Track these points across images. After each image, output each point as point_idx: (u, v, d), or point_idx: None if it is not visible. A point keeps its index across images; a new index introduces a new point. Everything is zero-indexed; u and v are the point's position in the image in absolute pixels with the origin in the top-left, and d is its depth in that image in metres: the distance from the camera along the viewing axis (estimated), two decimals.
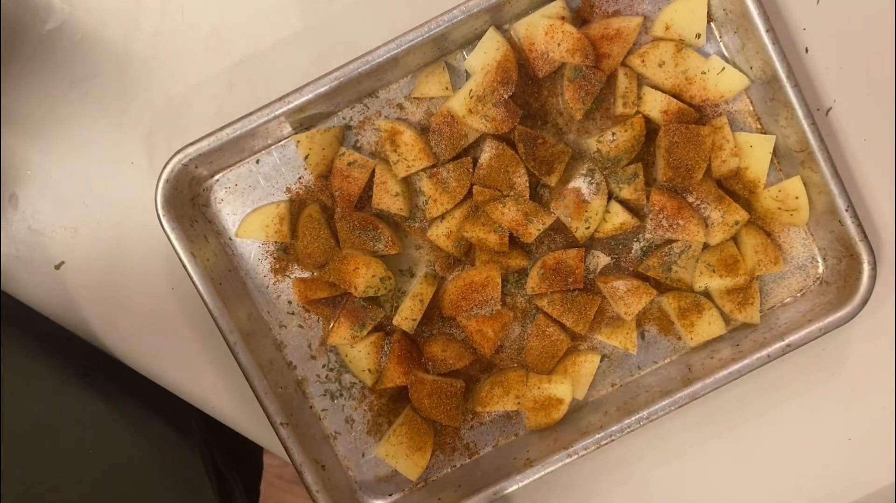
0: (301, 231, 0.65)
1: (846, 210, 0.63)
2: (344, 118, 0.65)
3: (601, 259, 0.67)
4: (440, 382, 0.65)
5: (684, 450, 0.70)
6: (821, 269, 0.68)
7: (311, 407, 0.67)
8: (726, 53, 0.65)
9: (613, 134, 0.64)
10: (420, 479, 0.67)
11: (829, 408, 0.70)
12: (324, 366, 0.67)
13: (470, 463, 0.68)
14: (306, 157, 0.64)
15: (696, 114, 0.65)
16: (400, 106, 0.65)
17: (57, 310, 0.66)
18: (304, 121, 0.64)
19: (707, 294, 0.67)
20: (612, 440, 0.64)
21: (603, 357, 0.68)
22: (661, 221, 0.65)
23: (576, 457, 0.64)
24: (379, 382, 0.66)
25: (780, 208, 0.65)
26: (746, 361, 0.64)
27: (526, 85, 0.65)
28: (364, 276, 0.63)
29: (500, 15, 0.63)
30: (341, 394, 0.68)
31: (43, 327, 0.65)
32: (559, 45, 0.62)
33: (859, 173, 0.68)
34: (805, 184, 0.65)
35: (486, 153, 0.64)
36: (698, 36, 0.64)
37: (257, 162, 0.66)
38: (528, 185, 0.64)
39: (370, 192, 0.65)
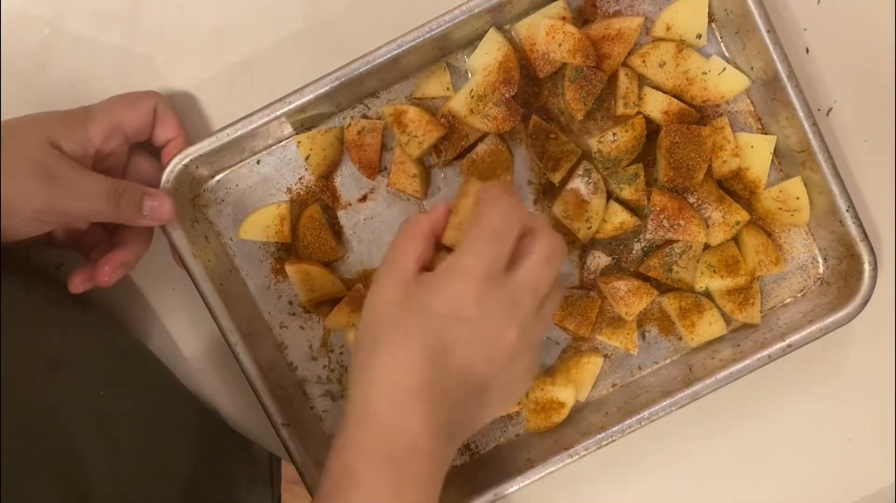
0: (302, 231, 0.65)
1: (847, 210, 0.63)
2: (345, 118, 0.65)
3: (602, 259, 0.67)
4: None
5: (685, 450, 0.70)
6: (821, 270, 0.68)
7: (311, 408, 0.67)
8: (727, 54, 0.65)
9: (614, 134, 0.64)
10: None
11: (830, 408, 0.70)
12: (325, 367, 0.67)
13: (470, 463, 0.68)
14: (307, 158, 0.64)
15: (697, 114, 0.65)
16: None
17: None
18: (304, 121, 0.64)
19: (708, 294, 0.67)
20: (613, 440, 0.64)
21: (604, 357, 0.68)
22: (661, 222, 0.65)
23: (577, 457, 0.64)
24: None
25: (780, 208, 0.66)
26: (747, 362, 0.64)
27: (527, 85, 0.65)
28: None
29: (501, 15, 0.63)
30: (342, 395, 0.68)
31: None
32: (560, 45, 0.62)
33: (860, 173, 0.68)
34: (806, 184, 0.65)
35: (484, 146, 0.64)
36: (699, 36, 0.64)
37: (258, 162, 0.65)
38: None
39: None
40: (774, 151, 0.66)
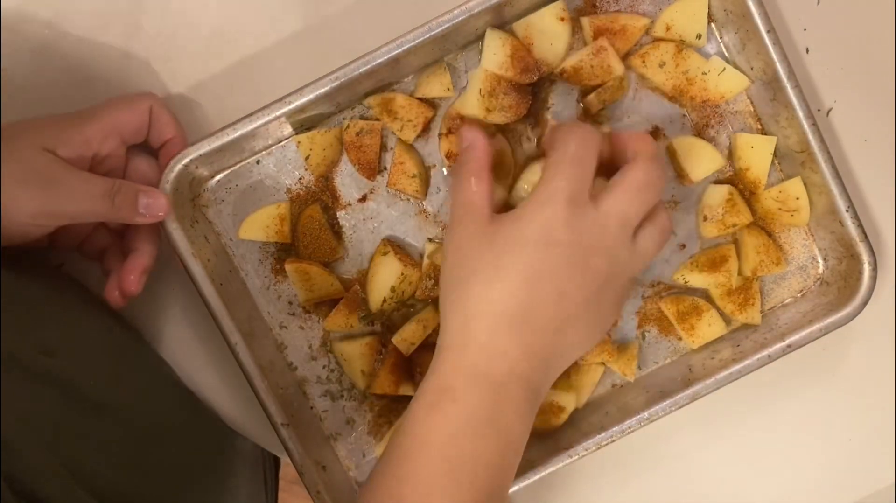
0: (302, 231, 0.65)
1: (846, 210, 0.63)
2: (345, 118, 0.65)
3: None
4: None
5: (685, 451, 0.70)
6: (821, 270, 0.68)
7: (311, 407, 0.67)
8: (727, 54, 0.65)
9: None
10: None
11: (830, 408, 0.70)
12: (324, 367, 0.67)
13: None
14: (307, 158, 0.64)
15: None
16: None
17: None
18: (304, 121, 0.64)
19: (707, 296, 0.67)
20: (613, 440, 0.64)
21: (604, 364, 0.68)
22: None
23: (576, 457, 0.64)
24: (370, 387, 0.66)
25: (780, 209, 0.65)
26: (747, 362, 0.64)
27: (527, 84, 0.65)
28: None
29: (501, 15, 0.63)
30: (342, 395, 0.68)
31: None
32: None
33: (860, 174, 0.68)
34: (805, 184, 0.65)
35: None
36: (699, 36, 0.64)
37: (258, 162, 0.65)
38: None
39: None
40: (774, 151, 0.66)
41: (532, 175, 0.63)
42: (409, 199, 0.66)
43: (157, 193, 0.60)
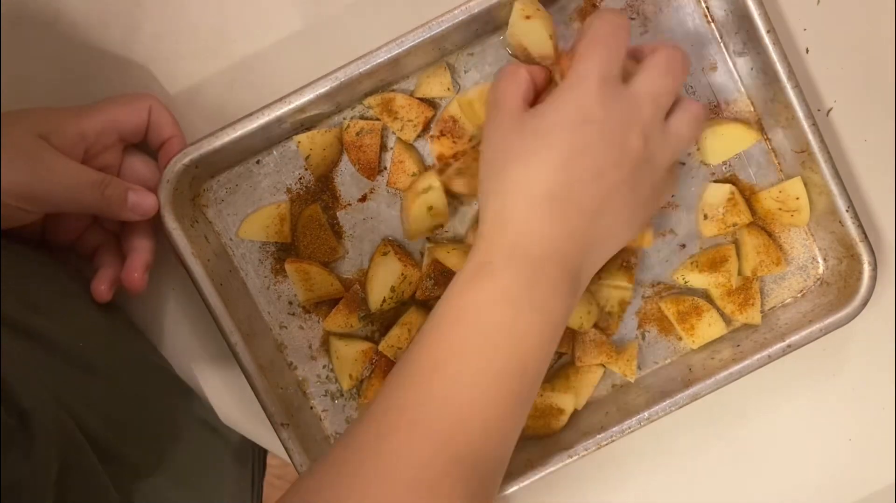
0: (302, 231, 0.65)
1: (846, 211, 0.63)
2: (345, 118, 0.65)
3: None
4: None
5: (684, 451, 0.70)
6: (821, 270, 0.68)
7: (311, 407, 0.67)
8: (727, 54, 0.65)
9: None
10: None
11: (830, 408, 0.70)
12: (324, 366, 0.67)
13: None
14: (307, 158, 0.64)
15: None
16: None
17: None
18: (304, 121, 0.64)
19: (707, 296, 0.67)
20: (613, 440, 0.64)
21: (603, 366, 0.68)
22: None
23: (576, 457, 0.64)
24: (362, 396, 0.66)
25: (780, 209, 0.65)
26: (747, 362, 0.64)
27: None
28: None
29: (501, 15, 0.63)
30: (342, 395, 0.68)
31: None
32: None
33: (860, 173, 0.68)
34: (805, 184, 0.65)
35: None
36: None
37: (258, 162, 0.65)
38: None
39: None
40: (774, 151, 0.66)
41: None
42: None
43: (145, 192, 0.60)
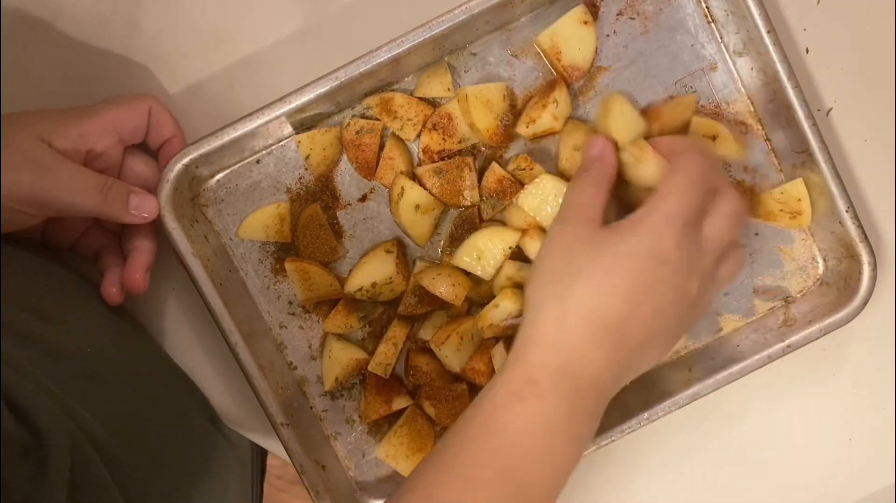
0: (302, 231, 0.65)
1: (846, 211, 0.63)
2: (345, 118, 0.65)
3: None
4: (442, 391, 0.65)
5: (684, 451, 0.70)
6: (821, 270, 0.68)
7: (311, 407, 0.67)
8: (727, 54, 0.65)
9: None
10: None
11: (830, 408, 0.70)
12: None
13: None
14: (307, 158, 0.64)
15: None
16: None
17: None
18: (304, 121, 0.64)
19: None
20: (613, 440, 0.64)
21: None
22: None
23: None
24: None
25: (781, 210, 0.65)
26: (747, 362, 0.64)
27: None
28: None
29: (502, 15, 0.63)
30: (342, 395, 0.68)
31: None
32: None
33: (860, 173, 0.68)
34: (805, 184, 0.65)
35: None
36: None
37: (258, 162, 0.65)
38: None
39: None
40: (774, 152, 0.66)
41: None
42: None
43: (146, 195, 0.60)
